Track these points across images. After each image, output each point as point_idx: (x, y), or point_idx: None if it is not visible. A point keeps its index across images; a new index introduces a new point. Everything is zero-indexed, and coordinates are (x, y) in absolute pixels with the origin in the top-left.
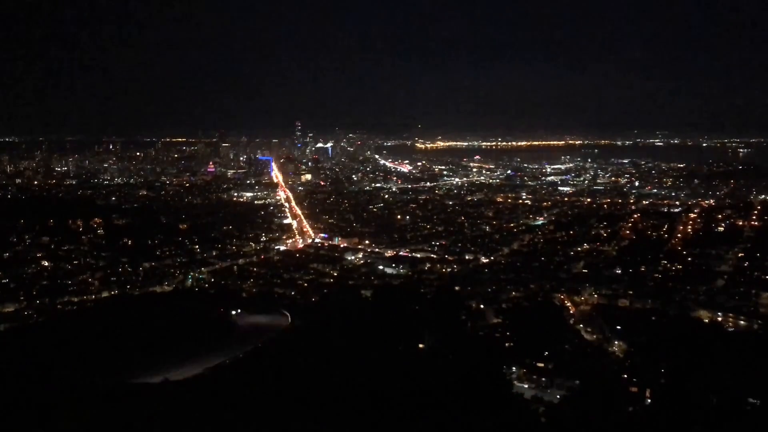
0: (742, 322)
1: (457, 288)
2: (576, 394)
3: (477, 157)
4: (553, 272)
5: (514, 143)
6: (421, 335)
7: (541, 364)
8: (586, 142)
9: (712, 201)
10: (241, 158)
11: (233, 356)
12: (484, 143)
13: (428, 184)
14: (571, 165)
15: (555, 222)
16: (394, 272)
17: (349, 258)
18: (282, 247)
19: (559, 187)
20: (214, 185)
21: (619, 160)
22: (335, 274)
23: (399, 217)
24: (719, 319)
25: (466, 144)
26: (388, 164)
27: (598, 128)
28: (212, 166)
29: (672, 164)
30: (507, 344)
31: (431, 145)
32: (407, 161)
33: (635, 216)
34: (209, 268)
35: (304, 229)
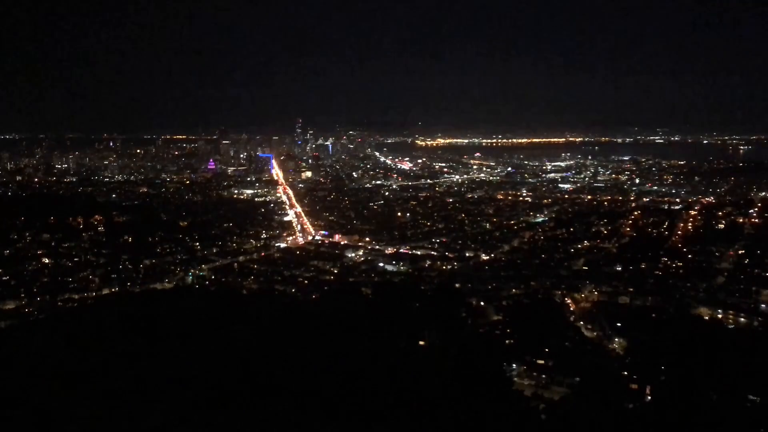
0: (742, 319)
1: (457, 285)
2: (576, 391)
3: (477, 154)
4: (553, 269)
5: (514, 140)
6: (422, 332)
7: (541, 361)
8: (586, 139)
9: (712, 198)
10: (242, 155)
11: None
12: (485, 140)
13: (428, 181)
14: (571, 162)
15: (555, 219)
16: (395, 269)
17: (350, 255)
18: (282, 245)
19: (560, 185)
20: (214, 182)
21: (620, 157)
22: (336, 271)
23: (399, 214)
24: (719, 316)
25: (466, 141)
26: (389, 161)
27: (598, 125)
28: (213, 163)
29: (672, 161)
30: (507, 341)
31: (431, 142)
32: (407, 158)
33: (636, 213)
34: (210, 266)
35: (305, 227)
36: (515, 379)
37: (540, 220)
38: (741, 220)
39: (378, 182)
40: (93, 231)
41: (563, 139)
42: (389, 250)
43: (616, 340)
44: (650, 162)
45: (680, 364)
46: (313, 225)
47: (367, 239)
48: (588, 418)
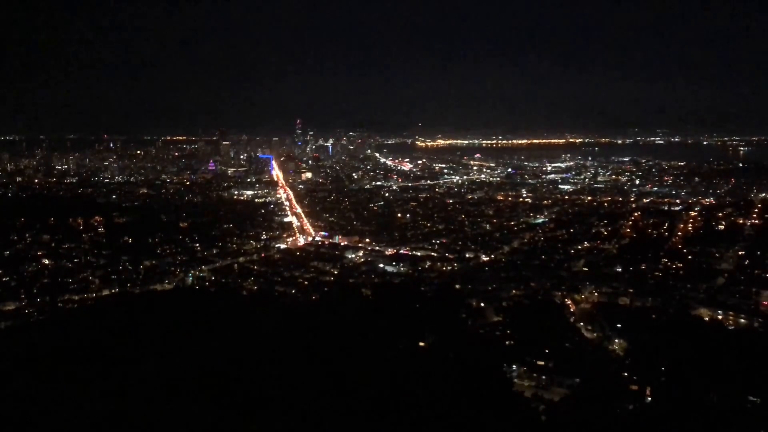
0: (742, 321)
1: (457, 286)
2: (576, 393)
3: (477, 155)
4: (553, 270)
5: (514, 141)
6: (422, 333)
7: (541, 363)
8: (586, 140)
9: (712, 199)
10: (242, 156)
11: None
12: (485, 141)
13: (429, 182)
14: (571, 163)
15: (555, 220)
16: (395, 270)
17: (350, 256)
18: (282, 246)
19: (560, 186)
20: (214, 183)
21: (620, 158)
22: (336, 272)
23: (399, 215)
24: (720, 317)
25: (466, 142)
26: (389, 162)
27: (598, 126)
28: (213, 164)
29: (672, 162)
30: (507, 342)
31: (432, 143)
32: (408, 159)
33: (636, 214)
34: (210, 267)
35: (305, 228)
36: (515, 380)
37: (540, 221)
38: (741, 221)
39: (378, 183)
40: (93, 232)
41: (563, 140)
42: (389, 251)
43: (616, 341)
44: (650, 163)
45: (680, 364)
46: (313, 226)
47: (367, 240)
48: (588, 419)
